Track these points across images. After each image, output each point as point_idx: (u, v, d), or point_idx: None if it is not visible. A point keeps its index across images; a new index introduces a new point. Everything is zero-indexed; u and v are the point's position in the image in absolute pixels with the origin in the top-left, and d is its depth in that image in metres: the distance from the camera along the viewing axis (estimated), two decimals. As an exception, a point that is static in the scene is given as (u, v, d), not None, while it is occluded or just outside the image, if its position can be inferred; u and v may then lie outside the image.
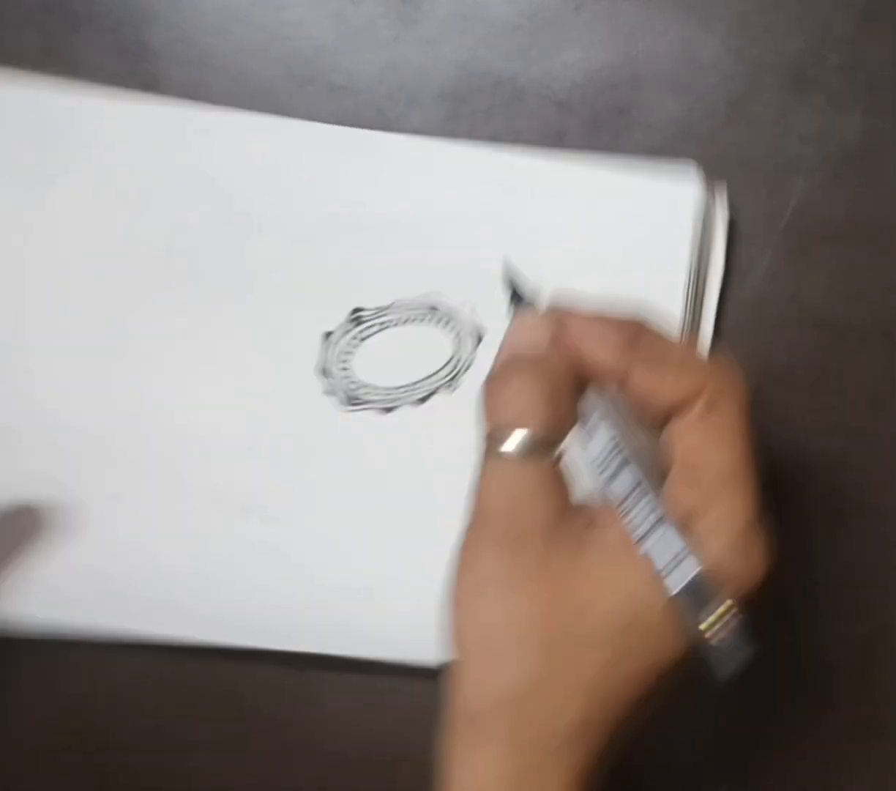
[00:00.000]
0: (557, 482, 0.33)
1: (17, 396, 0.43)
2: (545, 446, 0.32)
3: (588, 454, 0.32)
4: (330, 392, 0.44)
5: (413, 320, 0.44)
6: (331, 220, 0.44)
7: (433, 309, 0.44)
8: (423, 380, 0.44)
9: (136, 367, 0.44)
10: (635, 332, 0.33)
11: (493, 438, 0.32)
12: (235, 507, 0.43)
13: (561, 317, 0.34)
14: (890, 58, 0.46)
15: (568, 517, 0.32)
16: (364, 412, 0.43)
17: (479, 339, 0.44)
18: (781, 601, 0.45)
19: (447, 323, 0.44)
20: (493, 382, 0.33)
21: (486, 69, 0.46)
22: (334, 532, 0.43)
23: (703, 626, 0.29)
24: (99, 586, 0.42)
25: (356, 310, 0.44)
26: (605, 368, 0.33)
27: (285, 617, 0.43)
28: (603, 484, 0.32)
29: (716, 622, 0.29)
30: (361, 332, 0.44)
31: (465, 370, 0.44)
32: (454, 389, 0.44)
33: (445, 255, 0.44)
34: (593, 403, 0.33)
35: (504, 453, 0.32)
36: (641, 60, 0.46)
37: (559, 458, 0.32)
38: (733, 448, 0.32)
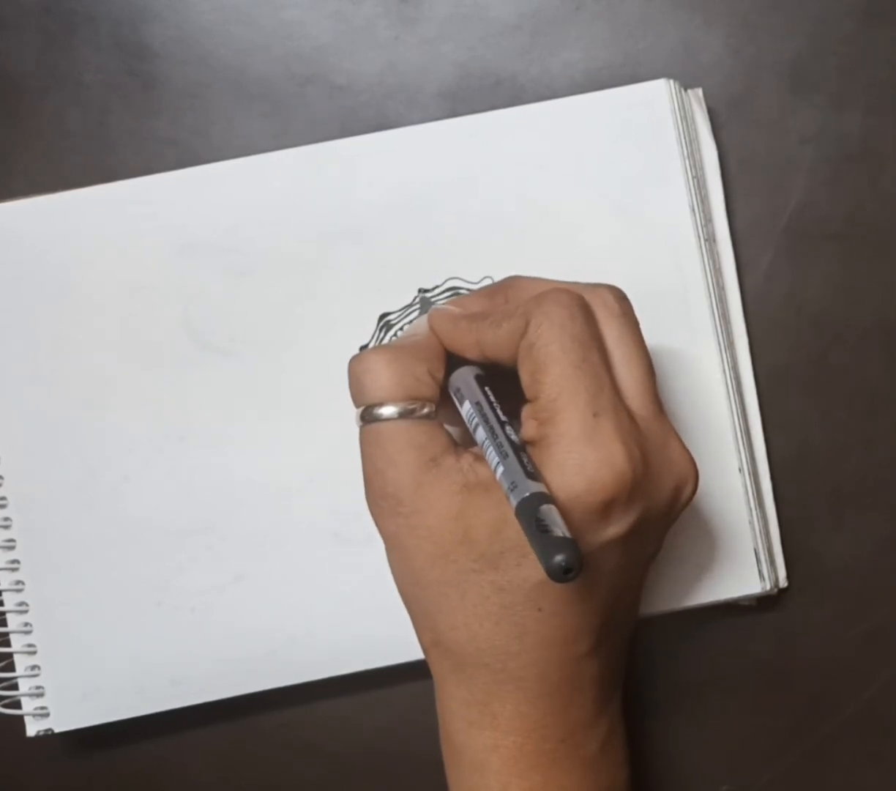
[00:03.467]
0: (427, 434, 0.36)
1: (96, 504, 0.44)
2: (406, 412, 0.36)
3: (463, 413, 0.37)
4: None
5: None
6: (332, 237, 0.44)
7: (456, 293, 0.44)
8: None
9: (198, 441, 0.44)
10: (480, 303, 0.38)
11: (363, 413, 0.36)
12: (330, 539, 0.44)
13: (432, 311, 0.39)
14: (890, 58, 0.46)
15: (446, 461, 0.36)
16: None
17: None
18: (783, 601, 0.45)
19: None
20: (356, 364, 0.37)
21: (486, 69, 0.46)
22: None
23: (534, 538, 0.32)
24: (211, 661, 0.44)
25: (383, 315, 0.44)
26: (452, 342, 0.37)
27: (360, 638, 0.44)
28: (472, 434, 0.36)
29: (546, 533, 0.31)
30: (393, 335, 0.44)
31: None
32: None
33: (452, 237, 0.44)
34: (457, 376, 0.38)
35: (371, 424, 0.36)
36: (641, 60, 0.46)
37: (428, 416, 0.36)
38: (556, 373, 0.34)
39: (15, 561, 0.43)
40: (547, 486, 0.33)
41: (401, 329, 0.44)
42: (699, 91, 0.45)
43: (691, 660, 0.45)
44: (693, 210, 0.44)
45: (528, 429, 0.35)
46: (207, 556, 0.43)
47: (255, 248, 0.44)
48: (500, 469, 0.34)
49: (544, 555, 0.30)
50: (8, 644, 0.43)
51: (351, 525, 0.43)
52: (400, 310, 0.44)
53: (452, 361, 0.38)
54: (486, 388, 0.37)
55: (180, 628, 0.43)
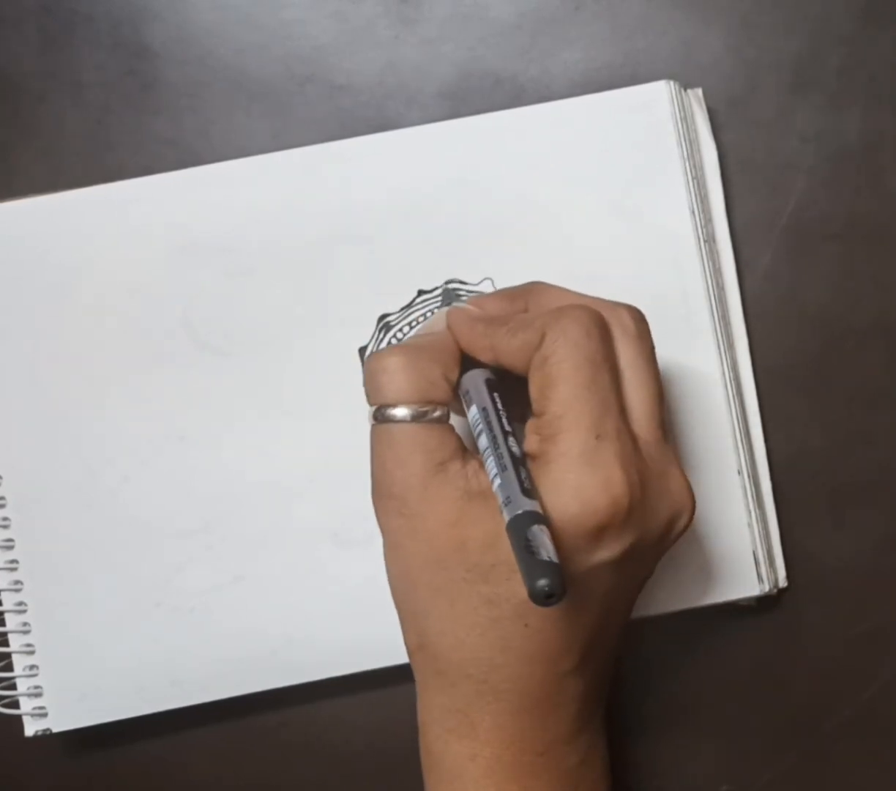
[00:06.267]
0: (437, 439, 0.36)
1: (95, 505, 0.44)
2: (419, 415, 0.36)
3: (469, 417, 0.37)
4: None
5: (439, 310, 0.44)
6: (332, 238, 0.44)
7: (456, 294, 0.44)
8: None
9: (197, 441, 0.44)
10: (500, 305, 0.38)
11: (376, 412, 0.36)
12: (330, 540, 0.44)
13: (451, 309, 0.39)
14: (890, 58, 0.46)
15: (453, 466, 0.36)
16: None
17: None
18: (783, 601, 0.45)
19: None
20: (373, 363, 0.37)
21: (486, 69, 0.46)
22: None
23: (521, 559, 0.31)
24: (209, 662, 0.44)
25: (382, 316, 0.44)
26: (467, 344, 0.37)
27: (361, 639, 0.44)
28: (475, 440, 0.36)
29: (533, 554, 0.31)
30: (392, 336, 0.44)
31: None
32: None
33: (451, 238, 0.44)
34: (468, 378, 0.37)
35: (383, 424, 0.36)
36: (641, 60, 0.46)
37: (440, 419, 0.36)
38: (564, 391, 0.34)
39: (14, 561, 0.43)
40: (542, 503, 0.33)
41: (400, 331, 0.44)
42: (699, 91, 0.45)
43: (691, 660, 0.45)
44: (693, 211, 0.44)
45: (531, 443, 0.35)
46: (207, 556, 0.43)
47: (255, 248, 0.44)
48: (497, 481, 0.34)
49: (529, 577, 0.30)
50: (6, 644, 0.43)
51: (350, 525, 0.43)
52: (399, 311, 0.44)
53: (466, 360, 0.38)
54: (495, 395, 0.37)
55: (179, 628, 0.43)
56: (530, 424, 0.36)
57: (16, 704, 0.43)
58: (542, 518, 0.32)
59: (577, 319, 0.35)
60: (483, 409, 0.36)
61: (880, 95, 0.46)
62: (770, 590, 0.44)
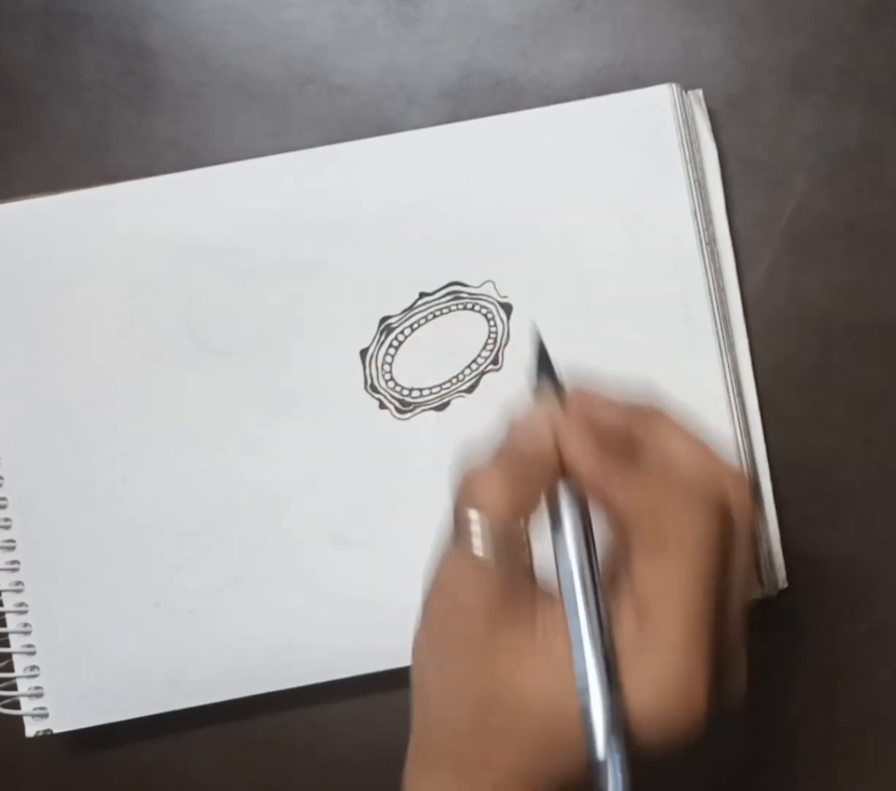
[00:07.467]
0: (513, 588, 0.32)
1: (93, 506, 0.44)
2: (505, 546, 0.32)
3: (553, 548, 0.33)
4: (383, 405, 0.44)
5: (440, 313, 0.44)
6: (334, 240, 0.44)
7: (457, 296, 0.44)
8: (466, 367, 0.44)
9: (197, 442, 0.44)
10: (615, 421, 0.33)
11: (460, 527, 0.32)
12: (330, 541, 0.44)
13: (557, 417, 0.33)
14: (890, 58, 0.46)
15: (523, 598, 0.32)
16: (420, 414, 0.44)
17: (509, 312, 0.44)
18: (783, 601, 0.45)
19: (473, 306, 0.44)
20: (474, 473, 0.33)
21: (486, 69, 0.46)
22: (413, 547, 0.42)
23: (596, 748, 0.30)
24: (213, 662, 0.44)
25: (384, 318, 0.44)
26: (577, 469, 0.33)
27: (356, 643, 0.44)
28: (558, 578, 0.33)
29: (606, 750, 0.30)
30: (394, 338, 0.44)
31: (505, 345, 0.44)
32: (500, 367, 0.44)
33: (453, 241, 0.44)
34: (562, 505, 0.33)
35: (470, 551, 0.32)
36: (641, 60, 0.46)
37: (524, 562, 0.33)
38: (690, 598, 0.31)
39: (14, 561, 0.43)
40: (621, 692, 0.31)
41: (401, 333, 0.44)
42: (699, 92, 0.45)
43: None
44: (694, 214, 0.44)
45: (626, 626, 0.32)
46: (206, 557, 0.43)
47: (255, 250, 0.44)
48: (583, 662, 0.31)
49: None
50: (7, 644, 0.43)
51: (350, 526, 0.43)
52: (401, 313, 0.44)
53: None
54: (592, 543, 0.33)
55: (179, 629, 0.43)
56: (630, 601, 0.32)
57: (16, 705, 0.43)
58: (626, 727, 0.30)
59: (707, 524, 0.32)
60: (578, 562, 0.32)
61: (880, 95, 0.46)
62: (770, 591, 0.44)
